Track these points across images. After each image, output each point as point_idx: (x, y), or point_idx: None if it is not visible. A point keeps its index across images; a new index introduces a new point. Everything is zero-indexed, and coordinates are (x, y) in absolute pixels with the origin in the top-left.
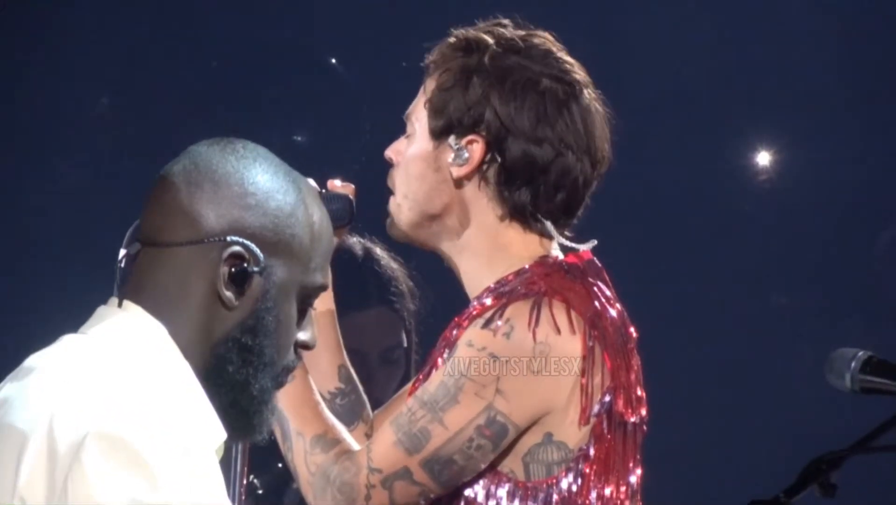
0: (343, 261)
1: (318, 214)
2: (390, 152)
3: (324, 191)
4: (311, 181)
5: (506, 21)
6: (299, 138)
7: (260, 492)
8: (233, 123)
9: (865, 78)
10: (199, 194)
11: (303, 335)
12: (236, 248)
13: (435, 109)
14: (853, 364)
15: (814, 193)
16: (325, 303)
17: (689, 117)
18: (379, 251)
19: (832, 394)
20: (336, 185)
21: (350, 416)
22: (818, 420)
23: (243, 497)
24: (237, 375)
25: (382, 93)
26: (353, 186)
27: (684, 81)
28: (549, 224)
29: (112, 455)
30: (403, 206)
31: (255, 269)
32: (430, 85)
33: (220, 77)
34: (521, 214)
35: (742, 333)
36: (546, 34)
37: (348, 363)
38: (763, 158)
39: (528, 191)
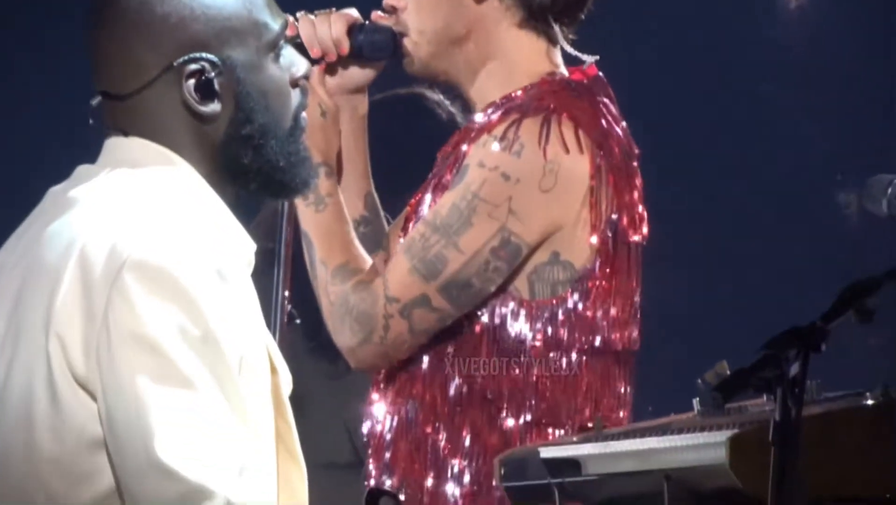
0: (421, 121)
1: None
2: (392, 0)
3: (366, 23)
4: (354, 11)
5: None
6: None
7: (298, 321)
8: None
9: None
10: (127, 39)
11: (295, 72)
12: (189, 66)
13: None
14: (889, 189)
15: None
16: (355, 125)
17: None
18: (460, 120)
19: (869, 220)
20: (379, 15)
21: (372, 243)
22: (855, 247)
23: (284, 325)
24: (254, 161)
25: None
26: (396, 17)
27: None
28: (557, 29)
29: (152, 284)
30: (421, 43)
31: (215, 72)
32: None
33: None
34: (539, 15)
35: (781, 165)
36: None
37: (374, 192)
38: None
39: None
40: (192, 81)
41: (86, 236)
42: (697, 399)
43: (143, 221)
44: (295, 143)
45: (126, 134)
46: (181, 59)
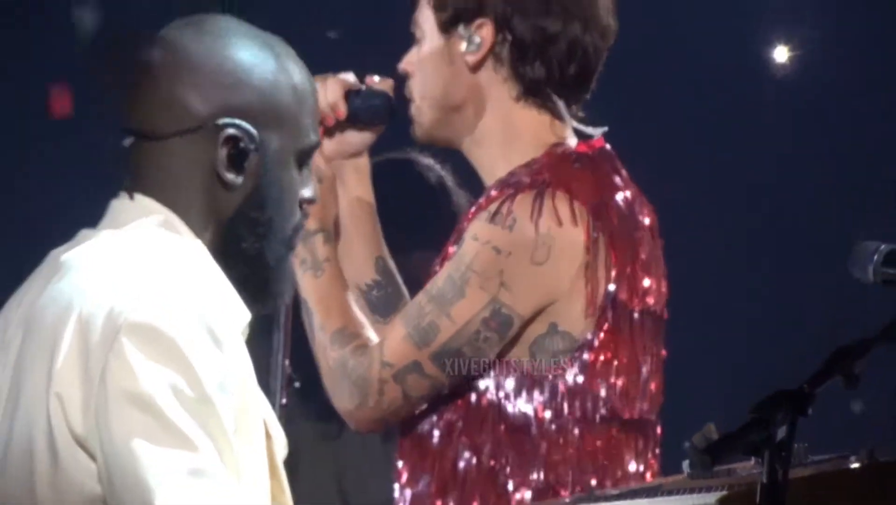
0: (412, 186)
1: (299, 76)
2: (404, 65)
3: (363, 88)
4: (352, 76)
5: None
6: (333, 35)
7: (297, 385)
8: (271, 23)
9: None
10: (181, 82)
11: (306, 192)
12: (231, 130)
13: (440, 4)
14: (876, 257)
15: (838, 87)
16: (361, 187)
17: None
18: (450, 184)
19: (856, 286)
20: (375, 80)
21: (386, 308)
22: (842, 312)
23: (285, 389)
24: (251, 249)
25: None
26: (391, 82)
27: None
28: (561, 104)
29: (149, 347)
30: (423, 107)
31: (252, 146)
32: None
33: None
34: (536, 91)
35: (768, 227)
36: None
37: (387, 255)
38: (780, 54)
39: (542, 65)
40: (228, 145)
41: (83, 299)
42: (687, 461)
43: (140, 285)
44: (287, 253)
45: (131, 196)
46: (226, 120)
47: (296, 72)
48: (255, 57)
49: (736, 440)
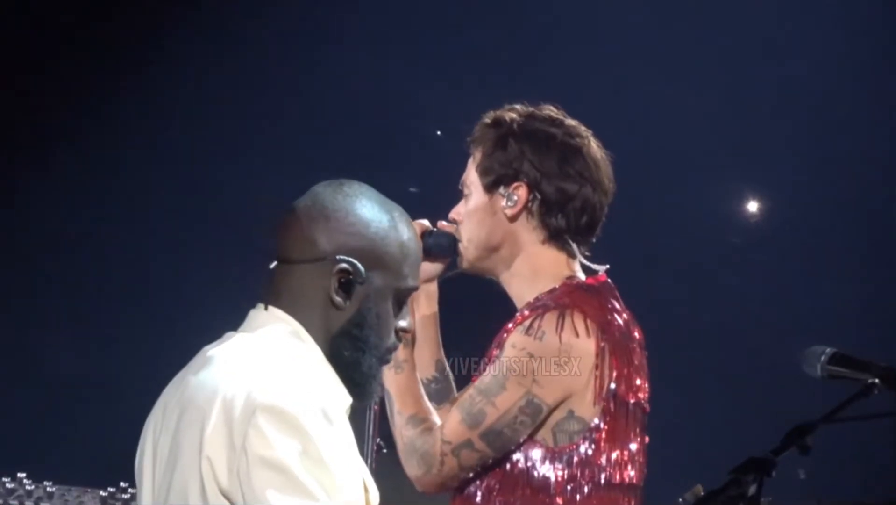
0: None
1: (407, 235)
2: (453, 215)
3: (434, 229)
4: (426, 221)
5: (516, 105)
6: (414, 189)
7: (385, 451)
8: (369, 178)
9: None
10: (315, 225)
11: (402, 323)
12: (343, 265)
13: (485, 171)
14: (822, 357)
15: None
16: (430, 307)
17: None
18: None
19: (808, 380)
20: (443, 224)
21: (440, 397)
22: (799, 399)
23: (375, 454)
24: (350, 357)
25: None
26: (455, 226)
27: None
28: (574, 246)
29: (279, 423)
30: (470, 248)
31: (359, 280)
32: (476, 155)
33: (364, 148)
34: (557, 237)
35: (741, 337)
36: (551, 106)
37: (444, 358)
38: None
39: (563, 216)
40: (339, 275)
41: (226, 385)
42: None
43: (270, 375)
44: (378, 364)
45: (266, 307)
46: (341, 257)
47: (405, 232)
48: (374, 215)
49: (717, 496)
